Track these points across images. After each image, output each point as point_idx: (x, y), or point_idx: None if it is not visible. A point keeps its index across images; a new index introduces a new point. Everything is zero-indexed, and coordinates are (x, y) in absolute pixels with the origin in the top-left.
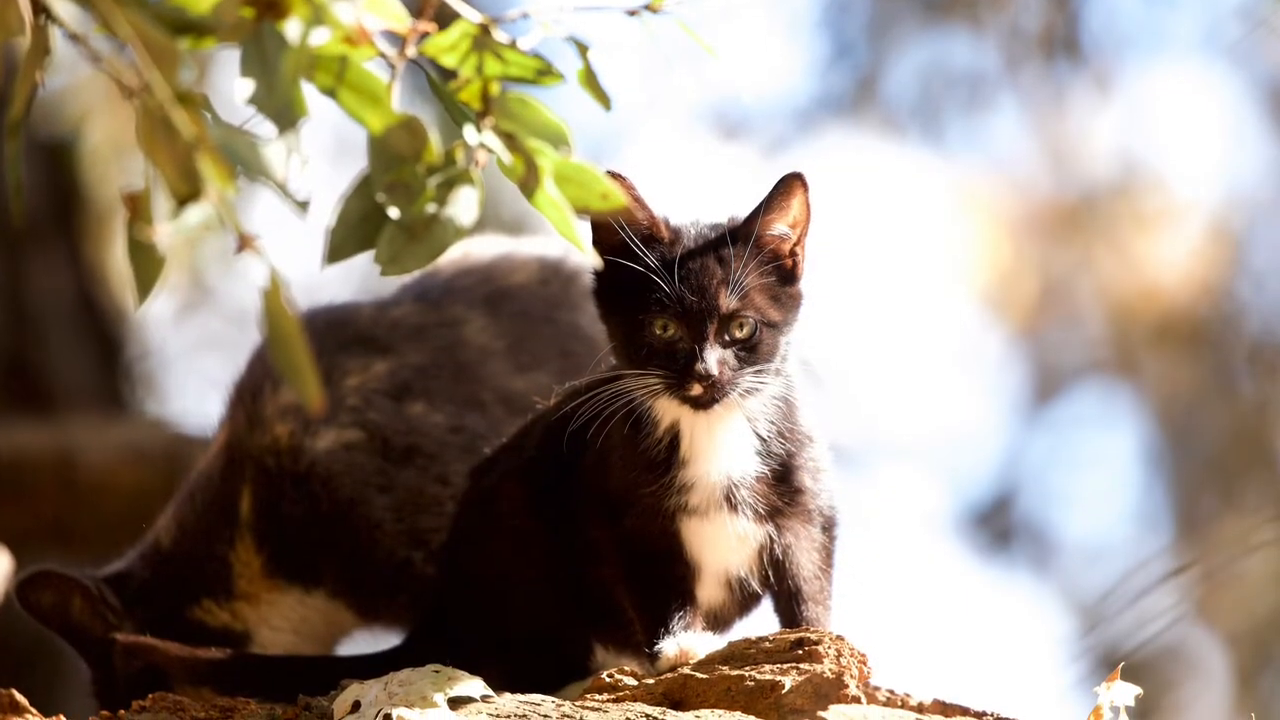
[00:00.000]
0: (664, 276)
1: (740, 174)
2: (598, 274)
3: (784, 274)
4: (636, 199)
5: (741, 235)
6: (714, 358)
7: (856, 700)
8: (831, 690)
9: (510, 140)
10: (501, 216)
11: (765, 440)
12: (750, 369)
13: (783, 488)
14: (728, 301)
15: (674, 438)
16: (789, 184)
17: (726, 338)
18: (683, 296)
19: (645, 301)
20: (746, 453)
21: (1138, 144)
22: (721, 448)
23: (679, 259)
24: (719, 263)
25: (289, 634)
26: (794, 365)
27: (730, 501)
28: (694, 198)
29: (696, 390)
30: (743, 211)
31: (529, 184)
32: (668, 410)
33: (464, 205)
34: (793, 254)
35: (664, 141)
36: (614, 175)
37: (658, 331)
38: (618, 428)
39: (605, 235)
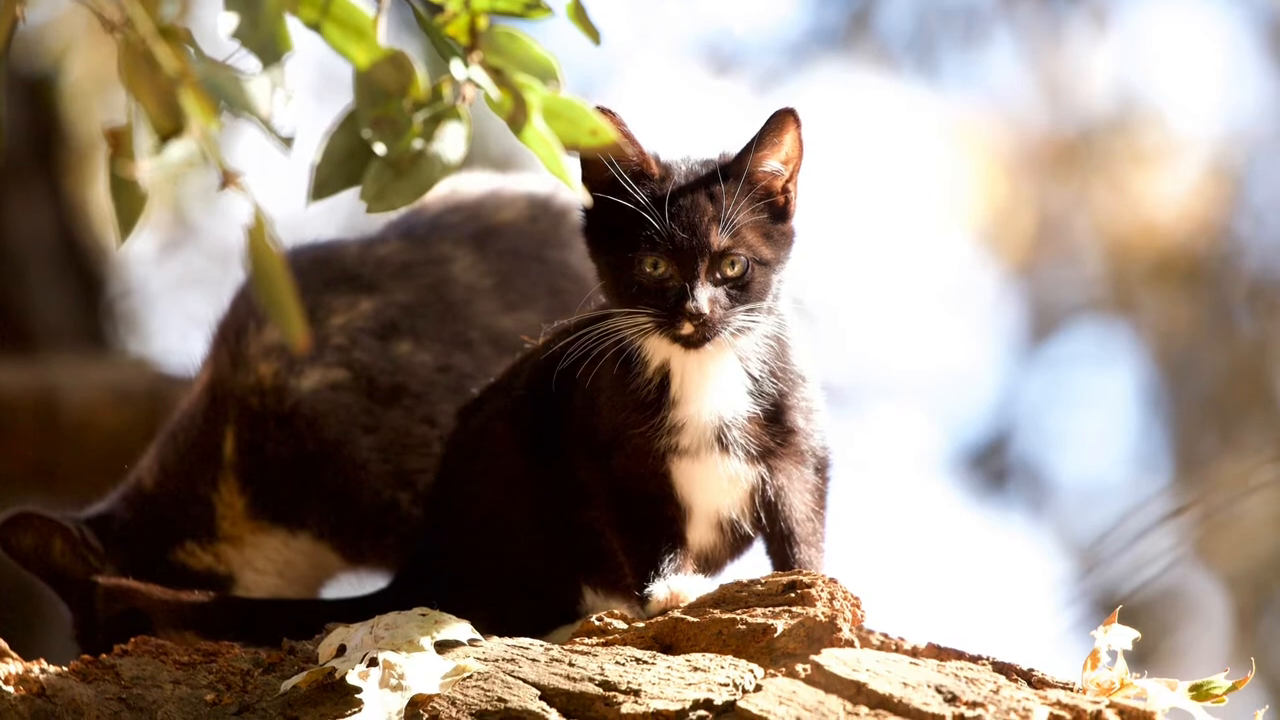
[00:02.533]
0: (654, 214)
1: (732, 109)
2: (587, 211)
3: (776, 211)
4: (626, 135)
5: (733, 172)
6: (705, 296)
7: (850, 644)
8: (824, 634)
9: (498, 75)
10: (489, 152)
11: (757, 380)
12: (742, 307)
13: (775, 428)
14: (719, 239)
15: (664, 377)
16: (781, 120)
17: (718, 276)
18: (673, 234)
19: (635, 239)
20: (738, 392)
21: (1135, 79)
22: (713, 387)
23: (669, 196)
24: (710, 200)
25: (273, 577)
26: (786, 304)
27: (721, 442)
28: (685, 133)
29: (687, 329)
30: (734, 148)
31: (517, 120)
32: (658, 349)
33: (451, 141)
34: (785, 191)
35: (654, 76)
36: (603, 111)
37: (648, 269)
38: (607, 367)
39: (595, 172)
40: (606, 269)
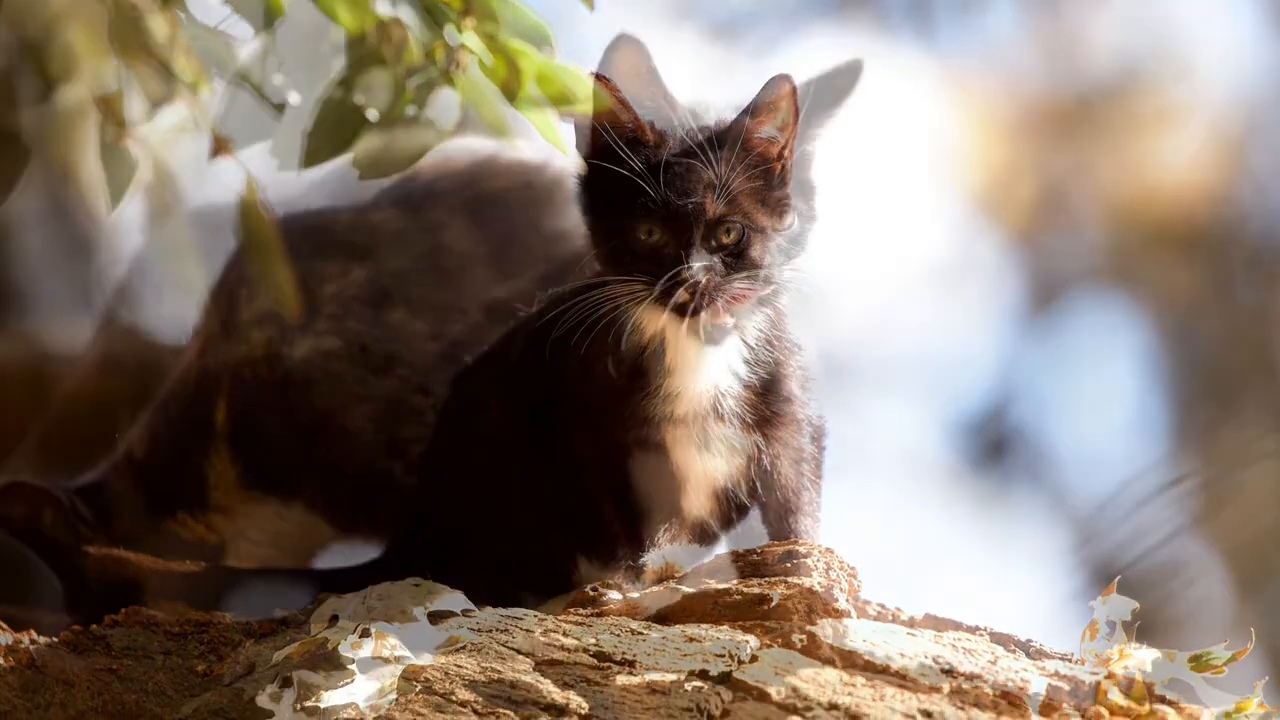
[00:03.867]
0: (649, 180)
1: (727, 76)
2: (581, 178)
3: (772, 178)
4: (621, 101)
5: (729, 139)
6: (700, 264)
7: (846, 614)
8: (820, 604)
9: (491, 41)
10: (482, 119)
11: (753, 348)
12: (737, 275)
13: (771, 397)
14: (715, 206)
15: (659, 345)
16: (778, 86)
17: (713, 243)
18: (668, 201)
19: (630, 206)
20: (734, 361)
21: (1137, 44)
22: (708, 356)
23: (664, 163)
24: (706, 167)
25: (265, 547)
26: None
27: (717, 411)
28: (680, 100)
29: (683, 297)
30: (730, 115)
31: (511, 86)
32: (653, 317)
33: (444, 108)
34: (781, 158)
35: (649, 42)
36: (598, 77)
37: (643, 237)
38: (601, 335)
39: (589, 139)
40: (601, 236)
